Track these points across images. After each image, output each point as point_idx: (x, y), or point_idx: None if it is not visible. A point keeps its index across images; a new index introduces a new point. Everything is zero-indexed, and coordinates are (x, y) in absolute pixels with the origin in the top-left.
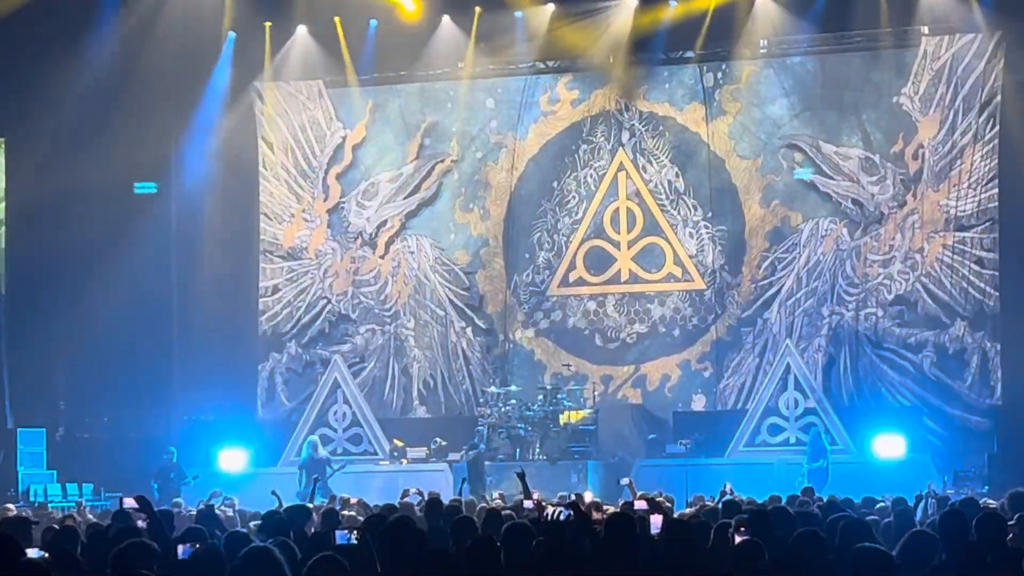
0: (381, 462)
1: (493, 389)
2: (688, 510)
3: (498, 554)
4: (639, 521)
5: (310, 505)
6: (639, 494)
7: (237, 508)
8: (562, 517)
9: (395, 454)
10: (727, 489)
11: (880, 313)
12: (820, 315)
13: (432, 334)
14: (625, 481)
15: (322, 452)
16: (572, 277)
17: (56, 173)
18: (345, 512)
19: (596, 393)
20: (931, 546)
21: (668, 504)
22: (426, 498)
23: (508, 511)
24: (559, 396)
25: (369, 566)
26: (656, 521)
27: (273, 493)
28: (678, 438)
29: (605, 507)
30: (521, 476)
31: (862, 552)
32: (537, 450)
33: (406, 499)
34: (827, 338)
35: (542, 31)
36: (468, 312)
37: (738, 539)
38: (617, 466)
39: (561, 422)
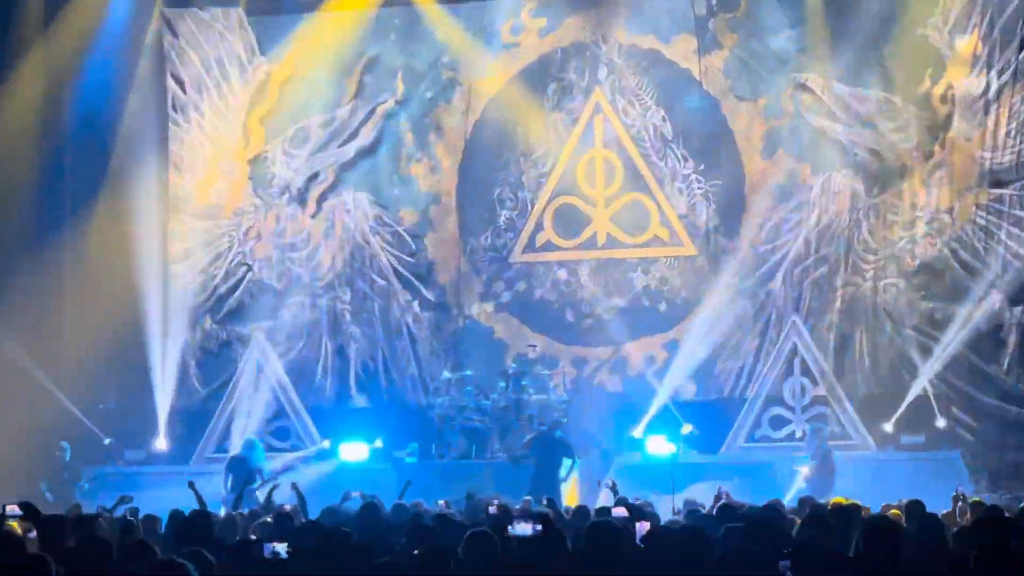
0: (320, 444)
1: (445, 374)
2: (677, 517)
3: (450, 567)
4: (621, 530)
5: (233, 513)
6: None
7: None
8: (530, 532)
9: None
10: (722, 493)
11: (902, 284)
12: (832, 286)
13: (372, 308)
14: (607, 483)
15: (261, 459)
16: (539, 241)
17: None
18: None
19: (567, 379)
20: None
21: (651, 510)
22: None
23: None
24: (523, 383)
25: None
26: (642, 529)
27: (191, 486)
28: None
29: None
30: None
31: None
32: (496, 446)
33: (347, 503)
34: (840, 313)
35: None
36: (415, 282)
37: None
38: (593, 465)
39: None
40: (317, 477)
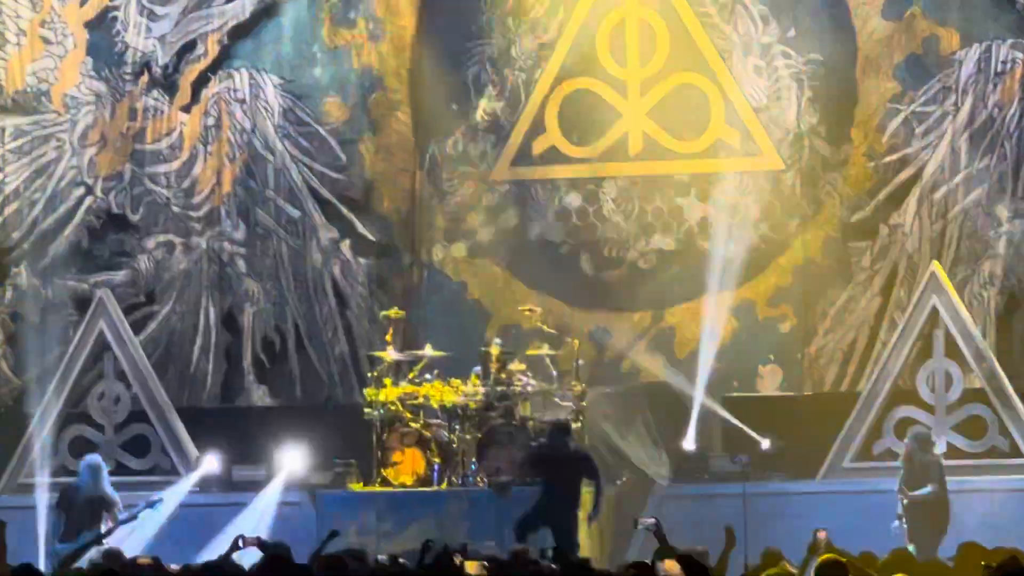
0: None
1: (390, 355)
2: None
3: None
4: None
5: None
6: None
7: None
8: None
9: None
10: (821, 539)
11: None
12: (994, 220)
13: (279, 253)
14: (647, 523)
15: (107, 484)
16: (538, 147)
17: None
18: None
19: (581, 362)
20: None
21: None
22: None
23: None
24: (512, 367)
25: None
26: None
27: None
28: (732, 447)
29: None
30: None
31: None
32: (471, 467)
33: (236, 554)
34: (1005, 262)
35: None
36: (345, 212)
37: None
38: (625, 496)
39: (522, 412)
40: (187, 513)
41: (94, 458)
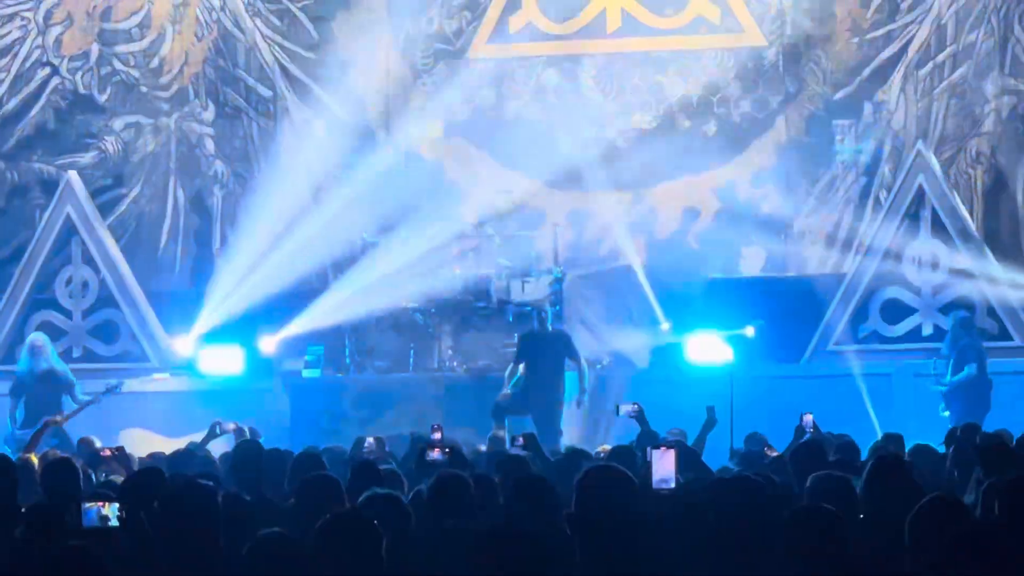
0: (157, 375)
1: (364, 237)
2: (730, 465)
3: (378, 535)
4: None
5: (33, 457)
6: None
7: None
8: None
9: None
10: (807, 422)
11: None
12: (980, 96)
13: (249, 134)
14: (629, 409)
15: (56, 362)
16: (515, 24)
17: None
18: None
19: (560, 243)
20: None
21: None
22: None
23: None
24: (485, 251)
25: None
26: (662, 470)
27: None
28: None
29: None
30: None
31: None
32: (449, 351)
33: (214, 441)
34: (993, 139)
35: None
36: (317, 91)
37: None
38: (606, 382)
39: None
40: (157, 399)
41: (32, 337)
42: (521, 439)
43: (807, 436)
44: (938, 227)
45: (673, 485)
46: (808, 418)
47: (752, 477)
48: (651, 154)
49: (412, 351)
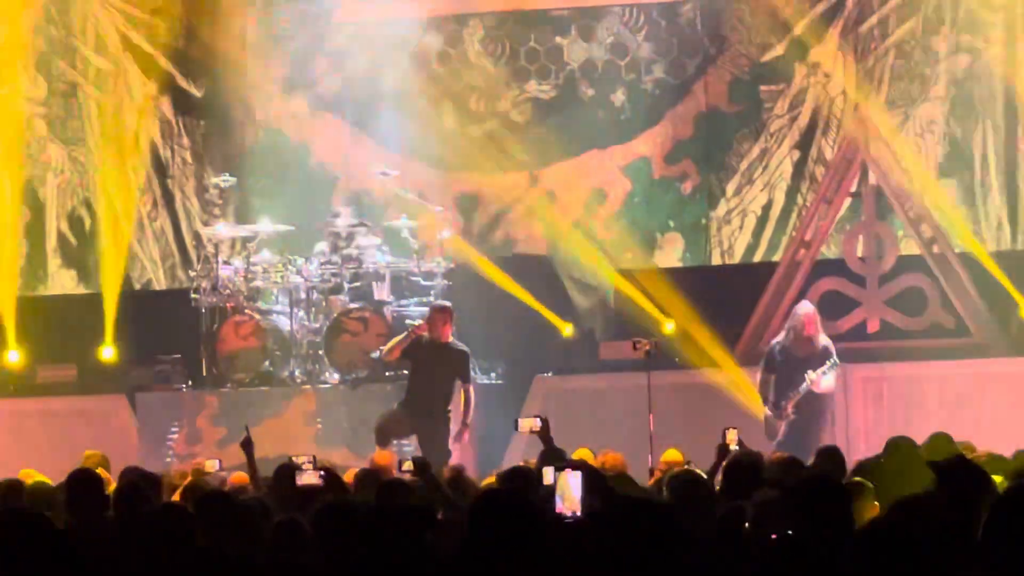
0: None
1: (220, 231)
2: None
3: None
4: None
5: None
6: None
7: None
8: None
9: None
10: (730, 440)
11: None
12: (931, 55)
13: (85, 111)
14: (529, 426)
15: None
16: None
17: None
18: None
19: (446, 232)
20: None
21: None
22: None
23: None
24: (363, 242)
25: None
26: (570, 490)
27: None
28: (628, 331)
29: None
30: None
31: None
32: (325, 361)
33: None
34: (945, 105)
35: None
36: (163, 62)
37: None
38: (506, 391)
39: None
40: None
41: None
42: (410, 464)
43: (731, 451)
44: (884, 208)
45: (580, 512)
46: (732, 434)
47: (661, 501)
48: (550, 128)
49: (273, 359)
